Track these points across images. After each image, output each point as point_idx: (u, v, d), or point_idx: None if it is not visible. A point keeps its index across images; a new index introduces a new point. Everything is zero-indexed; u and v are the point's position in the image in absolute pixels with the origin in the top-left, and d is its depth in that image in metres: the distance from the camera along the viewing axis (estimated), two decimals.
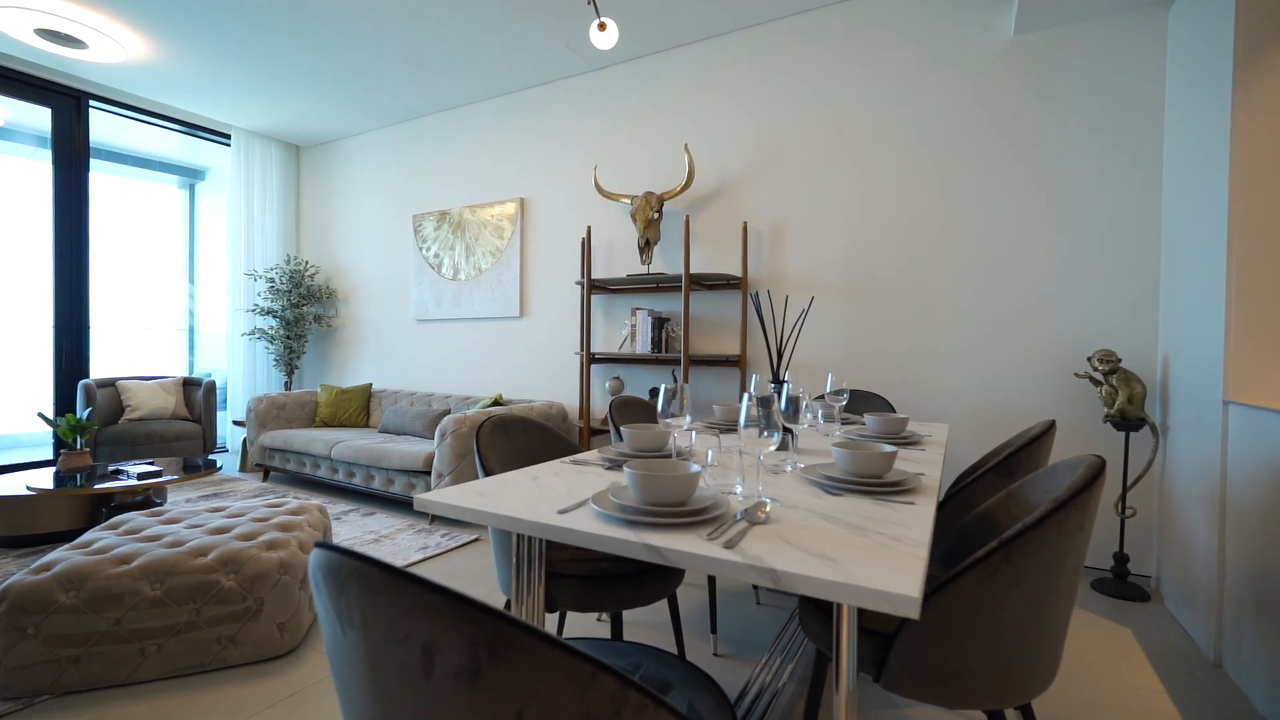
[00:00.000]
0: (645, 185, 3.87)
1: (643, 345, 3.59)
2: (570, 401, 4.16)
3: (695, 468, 1.07)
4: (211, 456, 3.60)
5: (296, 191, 5.83)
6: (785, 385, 1.59)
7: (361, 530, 3.22)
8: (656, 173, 3.83)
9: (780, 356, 2.64)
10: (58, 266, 4.45)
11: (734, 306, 3.58)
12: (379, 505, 3.77)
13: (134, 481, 2.77)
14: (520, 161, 4.40)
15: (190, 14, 3.48)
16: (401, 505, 3.77)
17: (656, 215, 3.58)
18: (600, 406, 4.07)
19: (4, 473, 4.27)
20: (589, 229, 3.86)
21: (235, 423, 4.72)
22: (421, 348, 4.94)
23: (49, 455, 4.55)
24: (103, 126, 5.14)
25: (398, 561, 2.77)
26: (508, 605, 1.41)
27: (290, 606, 1.93)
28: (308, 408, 4.60)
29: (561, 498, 1.12)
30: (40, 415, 3.06)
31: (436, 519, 3.44)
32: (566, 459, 1.53)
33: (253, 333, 5.19)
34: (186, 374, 5.74)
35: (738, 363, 3.47)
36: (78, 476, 2.87)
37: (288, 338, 5.21)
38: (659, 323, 3.56)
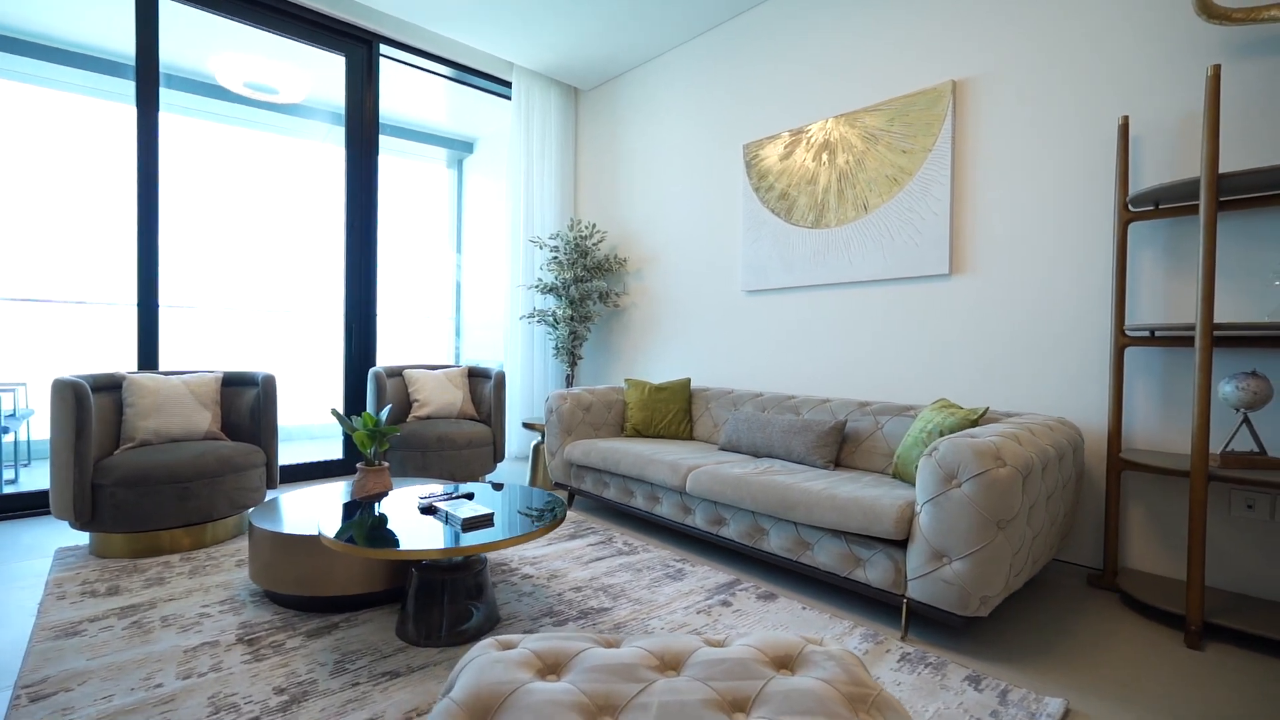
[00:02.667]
0: None
1: None
2: (1083, 417, 2.37)
3: None
4: (549, 498, 2.46)
5: (574, 145, 4.84)
6: None
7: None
8: None
9: None
10: (349, 247, 3.86)
11: None
12: (774, 577, 2.37)
13: (474, 542, 1.63)
14: (949, 17, 2.71)
15: None
16: (825, 589, 2.30)
17: None
18: (1158, 425, 2.21)
19: (294, 482, 3.73)
20: (1123, 122, 2.06)
21: (526, 425, 3.80)
22: (754, 331, 3.52)
23: (339, 453, 3.99)
24: (381, 92, 4.58)
25: None
26: None
27: None
28: (614, 410, 3.44)
29: None
30: (334, 413, 2.14)
31: (927, 640, 1.90)
32: None
33: (532, 315, 4.25)
34: (457, 363, 5.10)
35: None
36: (383, 524, 1.83)
37: (571, 319, 4.18)
38: None
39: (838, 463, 2.67)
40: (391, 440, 3.22)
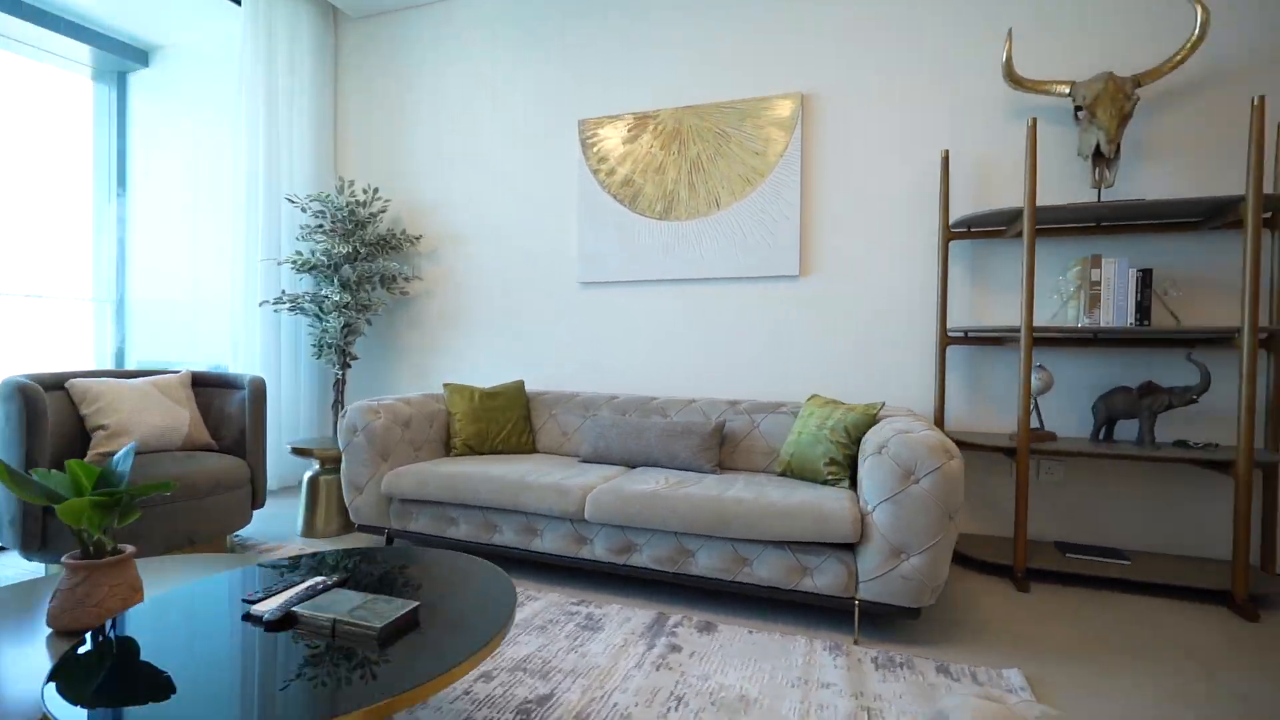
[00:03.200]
0: (1073, 66, 2.51)
1: (1117, 314, 2.24)
2: (915, 406, 2.70)
3: None
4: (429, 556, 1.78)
5: (334, 83, 3.77)
6: None
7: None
8: (1075, 47, 2.49)
9: None
10: None
11: (1220, 255, 2.34)
12: (701, 602, 2.10)
13: (431, 674, 0.98)
14: (802, 35, 2.84)
15: None
16: (761, 605, 2.12)
17: (1130, 108, 2.25)
18: (966, 410, 2.65)
19: None
20: (944, 154, 2.47)
21: (297, 451, 2.73)
22: (593, 327, 3.21)
23: None
24: None
25: None
26: None
27: None
28: (437, 423, 2.72)
29: None
30: (7, 475, 1.13)
31: (877, 639, 1.87)
32: None
33: (282, 300, 3.15)
34: (120, 365, 3.41)
35: (1233, 341, 2.21)
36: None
37: (347, 308, 3.22)
38: (1144, 279, 2.23)
39: (720, 465, 2.56)
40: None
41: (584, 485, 2.13)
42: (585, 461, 2.60)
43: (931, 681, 1.58)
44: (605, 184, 3.15)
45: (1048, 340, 2.52)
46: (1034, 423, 2.56)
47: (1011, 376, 2.59)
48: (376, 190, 3.40)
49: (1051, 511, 2.55)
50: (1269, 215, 2.25)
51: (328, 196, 3.29)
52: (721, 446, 2.61)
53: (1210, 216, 2.26)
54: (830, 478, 2.13)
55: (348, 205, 3.28)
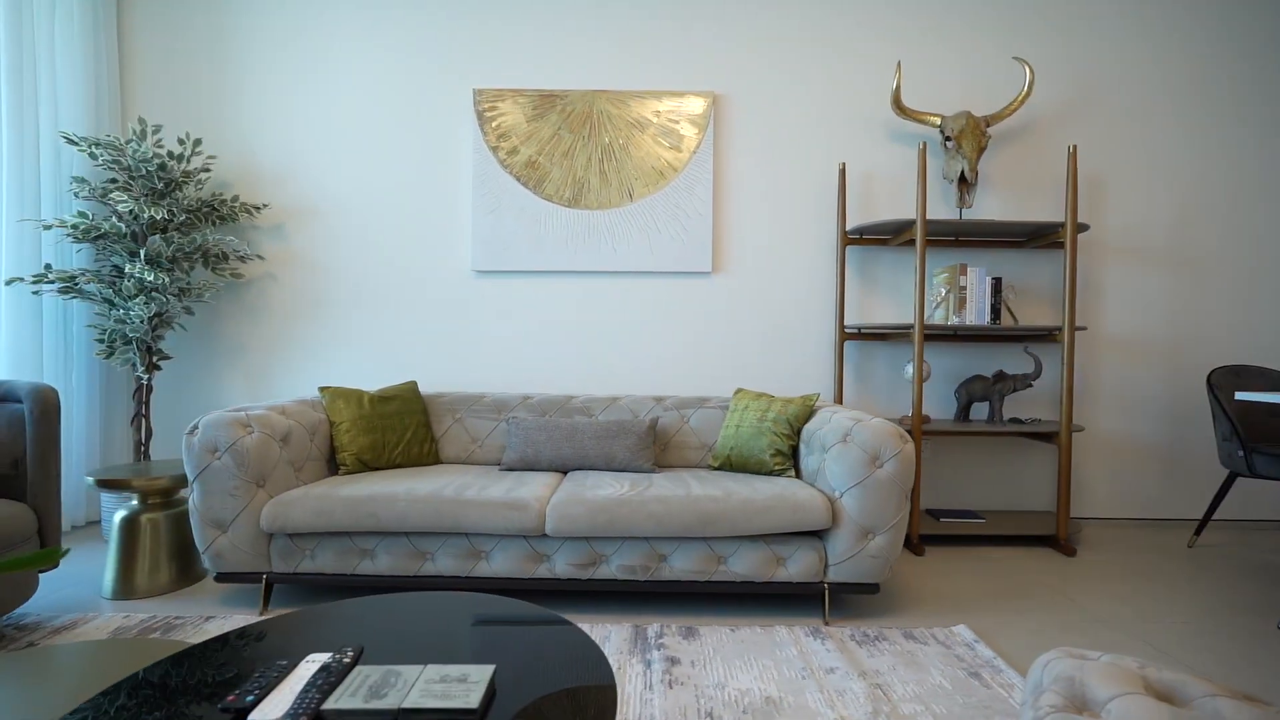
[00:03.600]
0: (938, 102, 2.91)
1: (978, 315, 2.68)
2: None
3: None
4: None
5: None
6: None
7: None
8: (942, 89, 2.92)
9: None
10: None
11: (1045, 267, 2.95)
12: (672, 607, 1.99)
13: None
14: (717, 36, 2.89)
15: None
16: (731, 601, 2.06)
17: (985, 143, 2.71)
18: (855, 399, 2.94)
19: None
20: (842, 166, 2.76)
21: (103, 484, 1.96)
22: (491, 320, 2.90)
23: None
24: None
25: None
26: None
27: None
28: (319, 437, 2.21)
29: None
30: None
31: (844, 617, 1.94)
32: None
33: (44, 279, 2.31)
34: None
35: (1055, 336, 2.83)
36: None
37: (155, 292, 2.47)
38: (995, 286, 2.70)
39: (655, 463, 2.49)
40: None
41: (536, 496, 1.90)
42: (509, 469, 2.34)
43: (908, 649, 1.71)
44: (506, 163, 2.87)
45: (926, 336, 2.91)
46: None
47: (893, 368, 2.95)
48: (199, 143, 2.66)
49: (925, 483, 2.96)
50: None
51: (126, 142, 2.48)
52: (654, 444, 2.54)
53: (1034, 236, 2.82)
54: (777, 468, 2.21)
55: (155, 158, 2.51)
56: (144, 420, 2.60)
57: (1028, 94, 2.69)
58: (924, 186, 2.53)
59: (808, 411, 2.26)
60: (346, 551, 1.90)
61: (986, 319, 2.69)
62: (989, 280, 2.69)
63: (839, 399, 2.85)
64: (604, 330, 2.91)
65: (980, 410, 2.93)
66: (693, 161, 2.88)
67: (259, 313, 2.91)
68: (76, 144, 2.40)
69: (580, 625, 1.82)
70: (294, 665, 0.90)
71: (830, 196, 2.92)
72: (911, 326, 2.58)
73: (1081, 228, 2.67)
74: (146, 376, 2.58)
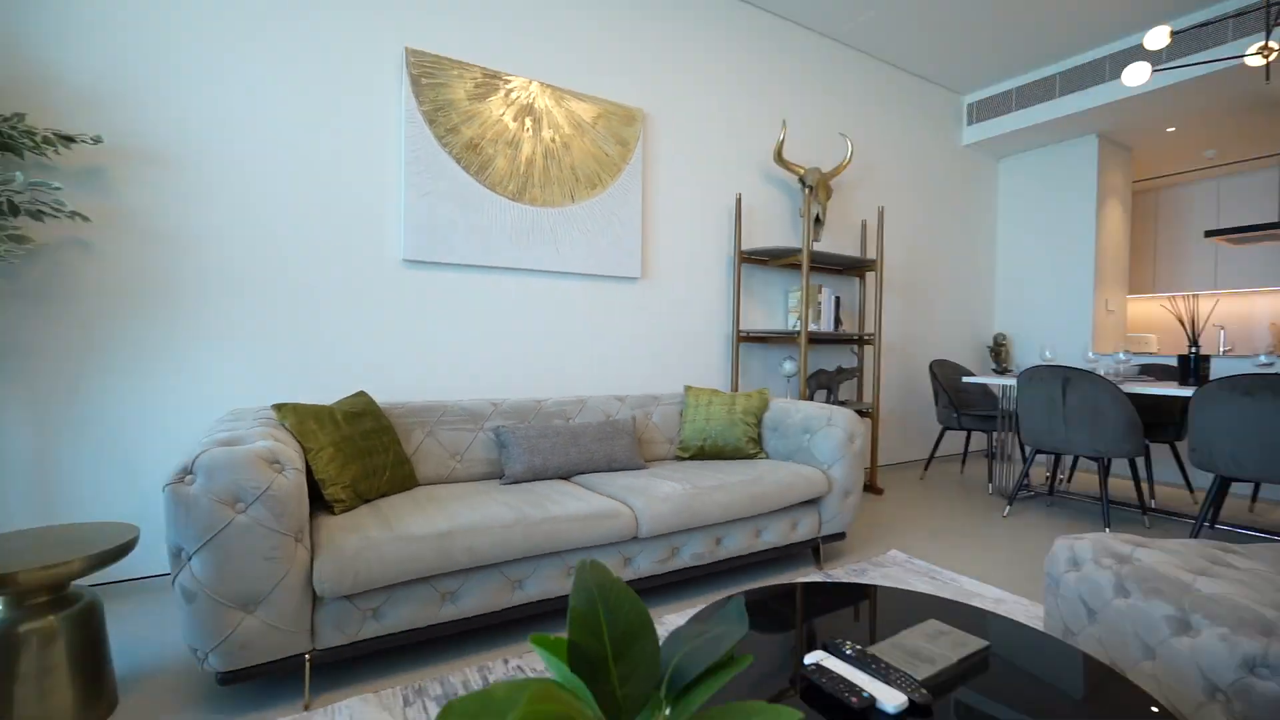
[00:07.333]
0: (801, 157, 3.65)
1: (827, 323, 3.54)
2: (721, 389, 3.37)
3: None
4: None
5: None
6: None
7: None
8: (792, 152, 3.70)
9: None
10: None
11: (847, 289, 4.03)
12: (711, 585, 2.17)
13: None
14: (645, 57, 3.07)
15: None
16: (735, 570, 2.31)
17: (830, 193, 3.59)
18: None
19: None
20: (738, 196, 3.38)
21: None
22: (428, 319, 2.53)
23: None
24: None
25: None
26: None
27: None
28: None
29: None
30: None
31: (828, 563, 2.42)
32: None
33: None
34: None
35: (872, 341, 3.91)
36: None
37: None
38: (836, 301, 3.62)
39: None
40: None
41: (615, 496, 1.91)
42: (516, 482, 2.18)
43: (885, 571, 2.34)
44: (445, 141, 2.54)
45: (790, 340, 3.68)
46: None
47: (766, 365, 3.64)
48: None
49: None
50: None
51: None
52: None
53: (851, 268, 3.85)
54: (752, 452, 2.62)
55: None
56: None
57: (849, 162, 3.68)
58: (808, 219, 3.25)
59: (764, 404, 2.73)
60: (427, 600, 1.58)
61: (832, 327, 3.58)
62: (834, 298, 3.59)
63: (734, 390, 3.40)
64: (550, 331, 2.84)
65: (820, 396, 3.86)
66: (626, 171, 3.03)
67: (56, 300, 1.94)
68: None
69: (667, 612, 1.93)
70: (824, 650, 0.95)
71: (728, 220, 3.44)
72: (794, 333, 3.29)
73: (875, 264, 3.79)
74: None
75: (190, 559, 1.31)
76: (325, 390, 2.35)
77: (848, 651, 0.97)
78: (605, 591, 0.63)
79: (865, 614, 1.25)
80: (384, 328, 2.46)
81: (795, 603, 1.30)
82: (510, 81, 2.69)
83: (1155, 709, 0.91)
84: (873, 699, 0.87)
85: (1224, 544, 1.61)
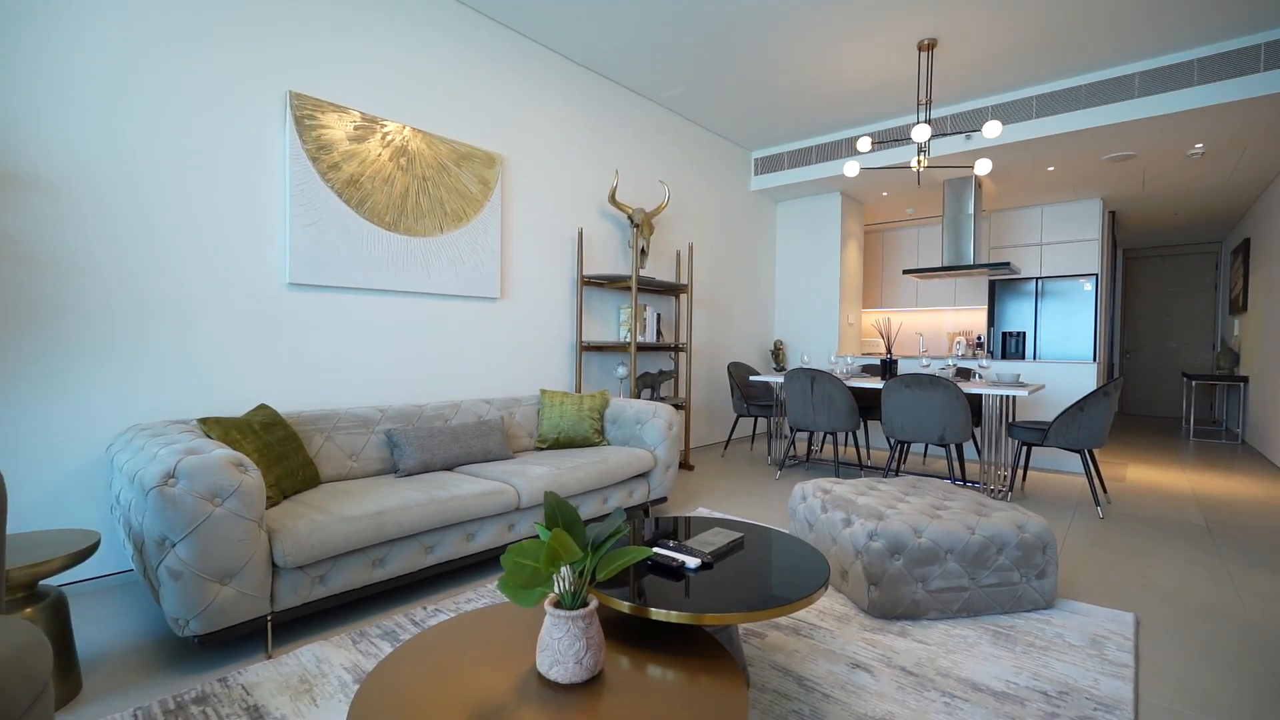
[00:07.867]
0: (630, 197, 4.42)
1: (651, 335, 4.41)
2: (566, 390, 4.02)
3: None
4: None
5: None
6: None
7: None
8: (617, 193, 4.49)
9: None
10: None
11: (664, 306, 4.95)
12: None
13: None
14: (501, 105, 3.59)
15: None
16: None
17: (653, 230, 4.46)
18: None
19: None
20: (580, 230, 4.12)
21: None
22: (311, 336, 2.82)
23: None
24: None
25: None
26: None
27: None
28: None
29: None
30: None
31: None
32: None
33: None
34: None
35: (685, 349, 4.87)
36: None
37: None
38: (658, 318, 4.49)
39: None
40: None
41: (509, 473, 2.49)
42: (410, 475, 2.64)
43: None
44: (327, 178, 2.85)
45: (622, 349, 4.46)
46: (646, 398, 4.46)
47: (605, 369, 4.39)
48: None
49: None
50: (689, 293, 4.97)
51: None
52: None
53: (669, 290, 4.76)
54: (598, 441, 3.34)
55: None
56: None
57: (666, 204, 4.58)
58: (636, 252, 4.07)
59: (605, 402, 3.48)
60: (362, 565, 2.03)
61: (654, 338, 4.46)
62: (656, 315, 4.46)
63: (578, 391, 4.10)
64: (425, 345, 3.26)
65: (647, 394, 4.72)
66: (487, 207, 3.54)
67: None
68: None
69: None
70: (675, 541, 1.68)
71: (572, 249, 4.11)
72: (625, 343, 4.10)
73: (687, 289, 4.76)
74: None
75: (175, 546, 1.63)
76: (219, 405, 2.55)
77: (670, 544, 1.72)
78: (560, 505, 1.28)
79: (681, 528, 2.03)
80: (272, 345, 2.71)
81: (643, 523, 2.04)
82: (386, 125, 3.06)
83: (826, 564, 1.80)
84: (684, 562, 1.62)
85: (878, 478, 2.70)
